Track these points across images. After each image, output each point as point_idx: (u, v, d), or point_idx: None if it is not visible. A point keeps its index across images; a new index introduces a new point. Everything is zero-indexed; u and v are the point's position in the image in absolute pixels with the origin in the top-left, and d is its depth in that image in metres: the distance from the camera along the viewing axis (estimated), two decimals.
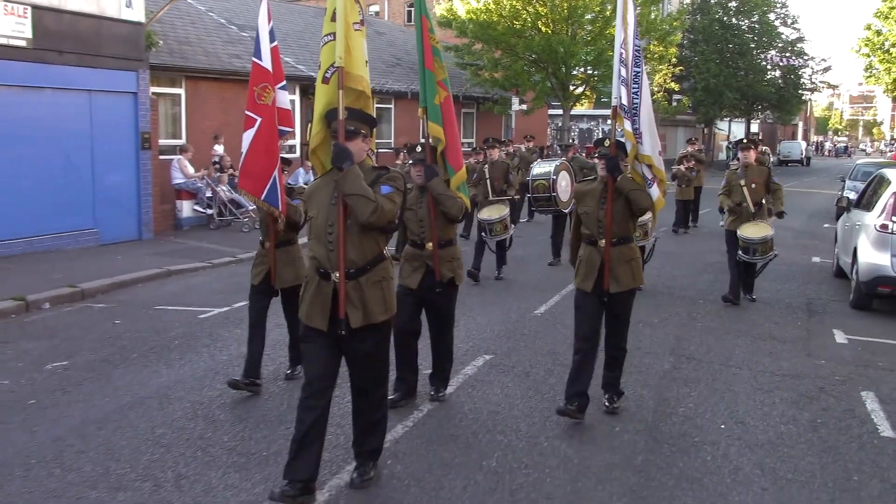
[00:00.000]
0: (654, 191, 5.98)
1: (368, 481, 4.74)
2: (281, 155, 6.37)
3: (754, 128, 62.31)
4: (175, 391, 6.53)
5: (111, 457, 5.21)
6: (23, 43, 12.32)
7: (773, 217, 10.20)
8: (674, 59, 33.24)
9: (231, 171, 16.21)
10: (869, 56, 32.92)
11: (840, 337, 8.84)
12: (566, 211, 11.90)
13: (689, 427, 5.99)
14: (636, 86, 5.97)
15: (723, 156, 54.56)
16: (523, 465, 5.17)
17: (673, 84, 36.11)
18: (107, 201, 14.04)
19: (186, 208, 16.25)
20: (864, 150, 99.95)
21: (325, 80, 4.68)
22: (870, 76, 34.43)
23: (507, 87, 28.19)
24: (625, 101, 5.91)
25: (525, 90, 28.55)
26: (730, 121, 54.77)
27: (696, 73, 43.61)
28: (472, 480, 4.94)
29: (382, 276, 4.58)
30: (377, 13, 43.96)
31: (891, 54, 31.67)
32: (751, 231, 9.93)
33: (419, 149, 6.28)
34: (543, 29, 27.20)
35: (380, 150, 21.61)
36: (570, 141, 29.19)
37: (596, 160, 6.19)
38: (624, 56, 5.94)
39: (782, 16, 49.80)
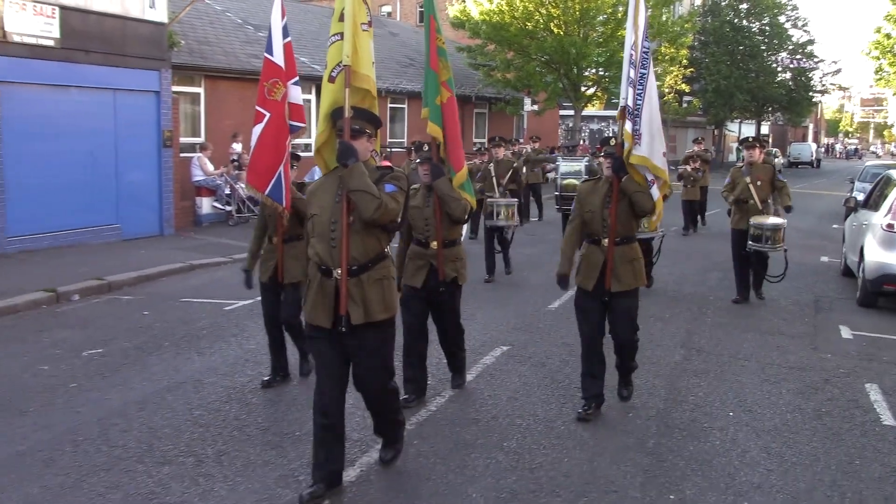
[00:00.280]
0: (655, 192, 6.02)
1: (390, 461, 5.02)
2: (292, 151, 6.43)
3: (764, 129, 62.40)
4: (208, 377, 6.85)
5: (153, 435, 5.53)
6: (51, 43, 12.68)
7: (780, 212, 10.21)
8: (684, 61, 33.42)
9: None
10: (879, 59, 33.09)
11: (846, 332, 9.09)
12: None
13: (699, 414, 6.28)
14: (640, 87, 6.01)
15: (733, 157, 54.65)
16: (542, 447, 5.48)
17: (683, 85, 36.31)
18: (129, 197, 14.40)
19: (206, 205, 16.61)
20: (875, 153, 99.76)
21: (332, 79, 4.72)
22: (880, 79, 34.58)
23: (520, 87, 28.47)
24: (629, 103, 5.99)
25: (537, 91, 28.82)
26: (740, 122, 54.91)
27: (707, 74, 43.78)
28: (493, 459, 5.25)
29: (384, 274, 4.60)
30: (389, 13, 44.26)
31: None
32: (762, 218, 9.87)
33: (426, 147, 6.31)
34: (556, 30, 27.45)
35: (393, 150, 21.94)
36: (581, 141, 29.44)
37: (601, 159, 6.25)
38: (634, 58, 6.02)
39: (793, 18, 49.93)
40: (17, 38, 12.15)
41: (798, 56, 50.40)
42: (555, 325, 8.84)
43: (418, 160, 6.39)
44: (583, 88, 29.27)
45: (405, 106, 25.08)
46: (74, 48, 13.05)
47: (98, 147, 13.81)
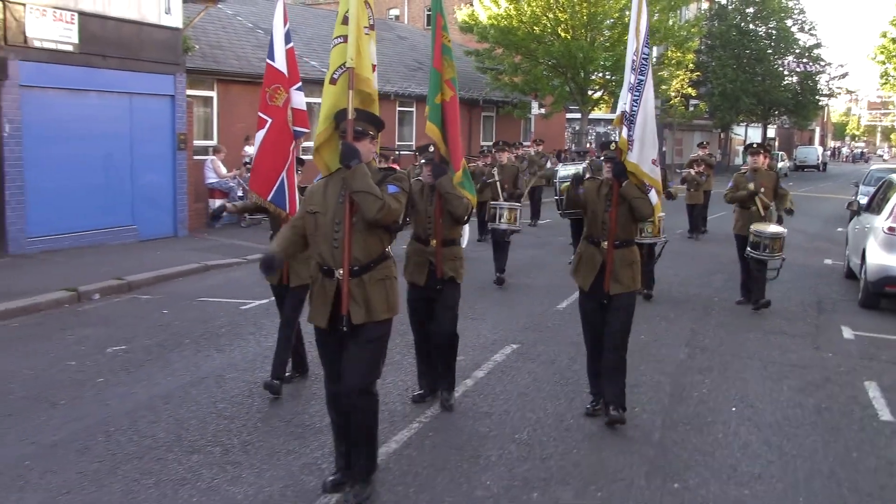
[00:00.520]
0: (653, 197, 6.08)
1: (366, 500, 4.63)
2: (298, 156, 6.47)
3: (771, 133, 62.50)
4: (229, 372, 7.11)
5: (181, 426, 5.79)
6: (70, 48, 12.97)
7: (781, 215, 10.18)
8: (691, 65, 33.62)
9: None
10: (885, 63, 33.25)
11: (847, 333, 9.32)
12: None
13: (703, 409, 6.52)
14: (637, 94, 6.05)
15: (738, 160, 54.77)
16: (552, 439, 5.72)
17: (690, 89, 36.54)
18: (145, 199, 14.68)
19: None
20: (882, 156, 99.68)
21: (333, 81, 4.75)
22: (885, 83, 34.74)
23: (527, 91, 28.72)
24: (627, 108, 6.06)
25: (544, 94, 29.06)
26: (746, 126, 55.00)
27: (713, 78, 43.96)
28: (506, 450, 5.50)
29: (386, 274, 4.63)
30: (397, 17, 44.55)
31: None
32: (762, 226, 9.90)
33: (431, 149, 6.37)
34: (563, 35, 27.71)
35: (401, 153, 22.19)
36: (588, 144, 29.68)
37: (602, 162, 6.30)
38: (635, 64, 6.10)
39: (800, 22, 50.05)
40: (37, 44, 12.45)
41: (805, 60, 50.52)
42: (563, 325, 9.08)
43: (422, 161, 6.48)
44: (590, 92, 29.52)
45: (413, 109, 25.35)
46: (93, 53, 13.33)
47: (115, 150, 14.09)
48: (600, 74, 29.10)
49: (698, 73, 39.82)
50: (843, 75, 52.97)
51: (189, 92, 16.25)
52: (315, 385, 6.75)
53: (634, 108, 6.04)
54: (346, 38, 4.71)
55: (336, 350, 4.63)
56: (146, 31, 14.33)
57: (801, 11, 50.29)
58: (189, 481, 4.88)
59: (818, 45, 50.62)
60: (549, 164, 23.69)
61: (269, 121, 6.32)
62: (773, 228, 9.90)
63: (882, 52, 32.94)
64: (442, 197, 6.15)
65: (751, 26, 47.87)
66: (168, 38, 14.85)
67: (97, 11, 13.35)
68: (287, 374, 6.76)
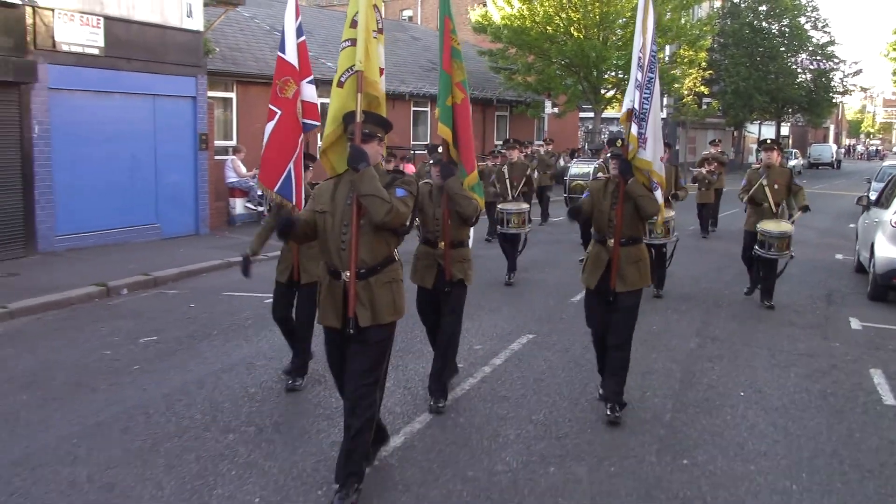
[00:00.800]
0: (659, 196, 6.08)
1: None
2: (307, 152, 6.50)
3: (785, 131, 62.40)
4: (257, 360, 7.44)
5: (215, 408, 6.13)
6: (96, 51, 13.36)
7: (798, 213, 10.02)
8: (704, 64, 33.76)
9: None
10: None
11: (855, 324, 9.56)
12: None
13: (712, 394, 6.79)
14: (647, 91, 6.05)
15: (752, 158, 54.78)
16: (567, 419, 6.02)
17: (703, 88, 36.67)
18: (168, 198, 15.07)
19: (239, 205, 17.26)
20: None
21: (340, 84, 4.79)
22: None
23: (540, 90, 28.97)
24: (636, 106, 6.02)
25: (557, 94, 29.30)
26: (760, 124, 55.00)
27: (726, 76, 44.02)
28: (524, 430, 5.80)
29: (392, 277, 4.65)
30: (410, 17, 44.87)
31: None
32: (770, 225, 9.89)
33: (439, 149, 6.38)
34: (576, 34, 27.94)
35: (416, 152, 22.52)
36: (603, 143, 29.87)
37: (609, 159, 6.32)
38: (641, 61, 6.06)
39: (813, 19, 50.00)
40: (65, 48, 12.83)
41: (818, 57, 50.45)
42: (577, 316, 9.31)
43: (431, 162, 6.47)
44: (602, 91, 29.72)
45: (427, 109, 25.65)
46: (118, 56, 13.72)
47: (139, 150, 14.48)
48: (613, 73, 29.30)
49: (711, 72, 39.90)
50: (857, 72, 52.94)
51: (209, 93, 16.62)
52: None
53: (646, 106, 6.03)
54: (354, 41, 4.78)
55: (341, 349, 4.68)
56: (169, 35, 14.71)
57: (815, 9, 50.19)
58: (227, 457, 5.21)
59: (832, 43, 50.54)
60: (562, 163, 23.95)
61: (279, 112, 6.34)
62: (781, 228, 9.85)
63: (895, 49, 32.99)
64: (450, 198, 6.14)
65: (764, 24, 47.86)
66: (190, 40, 15.22)
67: (122, 16, 13.73)
68: (286, 376, 6.68)
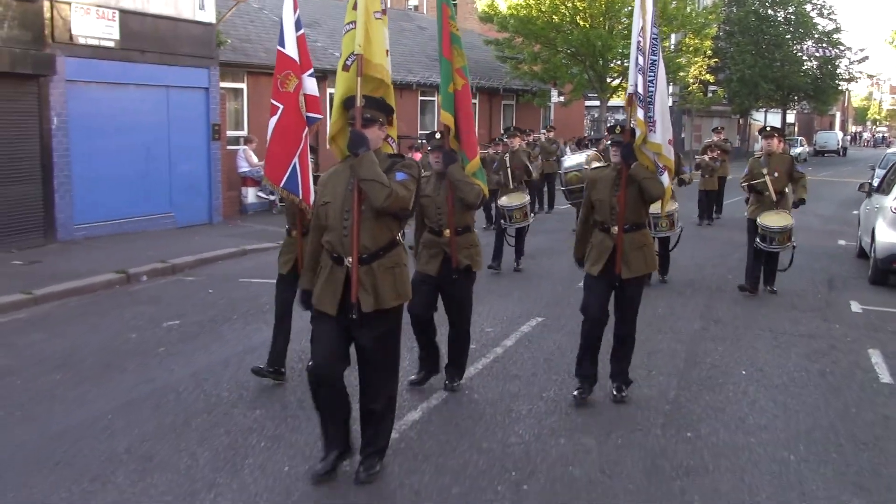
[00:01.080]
0: (665, 179, 6.04)
1: (374, 475, 4.76)
2: (311, 144, 6.41)
3: (790, 118, 62.39)
4: None
5: (241, 387, 6.43)
6: (111, 44, 13.64)
7: (796, 206, 10.07)
8: (709, 52, 33.89)
9: None
10: None
11: (856, 307, 9.82)
12: None
13: (715, 372, 7.08)
14: (652, 74, 5.99)
15: (758, 146, 54.81)
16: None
17: (708, 76, 36.79)
18: (182, 188, 15.38)
19: (251, 195, 17.56)
20: None
21: (346, 68, 4.76)
22: None
23: (546, 79, 29.16)
24: (640, 90, 5.97)
25: (563, 83, 29.49)
26: (766, 111, 55.04)
27: (732, 64, 44.11)
28: (535, 406, 6.10)
29: (395, 262, 4.64)
30: (416, 7, 44.97)
31: None
32: (771, 220, 9.83)
33: (438, 136, 6.31)
34: (581, 23, 28.11)
35: (423, 141, 22.76)
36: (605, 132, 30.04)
37: (609, 146, 6.26)
38: (641, 44, 6.00)
39: (818, 6, 49.98)
40: (81, 40, 13.11)
41: (824, 44, 50.45)
42: None
43: (430, 148, 6.41)
44: (608, 80, 29.89)
45: (434, 98, 25.85)
46: (132, 48, 13.99)
47: (153, 141, 14.77)
48: (619, 62, 29.45)
49: (716, 60, 40.01)
50: (863, 59, 52.84)
51: (221, 84, 16.90)
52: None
53: (651, 90, 6.00)
54: (356, 23, 4.70)
55: (337, 334, 4.60)
56: (182, 27, 14.97)
57: None
58: (255, 430, 5.51)
59: (837, 30, 50.52)
60: (568, 151, 24.09)
61: (281, 107, 6.26)
62: (782, 223, 9.83)
63: None
64: (452, 185, 6.09)
65: (769, 11, 47.86)
66: (202, 32, 15.49)
67: (136, 9, 14.00)
68: (271, 370, 6.55)
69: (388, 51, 4.89)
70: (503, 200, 11.36)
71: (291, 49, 6.37)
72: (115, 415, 5.83)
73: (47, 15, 12.57)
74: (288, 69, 6.32)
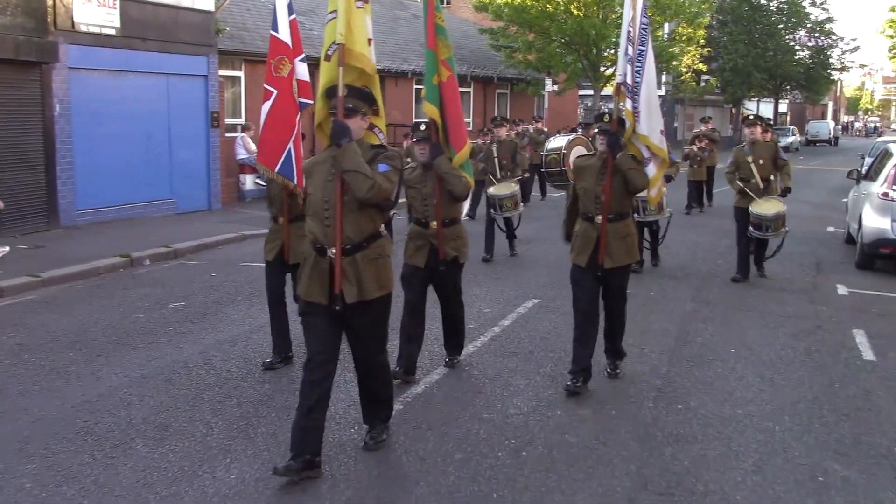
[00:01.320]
0: (651, 169, 6.08)
1: (382, 443, 5.00)
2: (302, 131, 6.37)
3: (783, 108, 62.72)
4: None
5: (249, 363, 6.68)
6: (112, 32, 13.80)
7: (783, 195, 10.07)
8: (702, 41, 34.12)
9: None
10: (893, 37, 33.70)
11: (842, 290, 10.11)
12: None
13: (705, 350, 7.36)
14: (639, 64, 6.00)
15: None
16: None
17: (701, 65, 37.00)
18: (181, 175, 15.59)
19: (249, 181, 17.71)
20: (895, 129, 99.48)
21: (328, 57, 4.72)
22: (893, 56, 35.21)
23: (540, 68, 29.35)
24: (629, 80, 5.99)
25: (557, 71, 29.68)
26: (758, 101, 55.33)
27: (725, 53, 44.37)
28: (532, 380, 6.37)
29: (378, 253, 4.62)
30: None
31: None
32: (764, 207, 9.90)
33: (423, 127, 6.26)
34: (575, 12, 28.30)
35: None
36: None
37: (596, 135, 6.22)
38: (631, 34, 6.02)
39: None
40: (84, 28, 13.28)
41: (816, 34, 50.74)
42: None
43: (415, 139, 6.35)
44: (602, 69, 30.10)
45: None
46: (133, 36, 14.17)
47: (153, 128, 14.97)
48: (612, 51, 29.62)
49: (709, 49, 40.23)
50: (855, 49, 53.18)
51: (220, 72, 17.07)
52: None
53: (638, 80, 6.01)
54: (338, 12, 4.67)
55: (329, 324, 4.61)
56: (181, 15, 15.14)
57: None
58: (265, 402, 5.77)
59: (830, 20, 50.82)
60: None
61: (275, 92, 6.22)
62: (774, 210, 9.90)
63: (891, 27, 33.40)
64: (440, 177, 6.07)
65: (762, 1, 48.09)
66: (201, 20, 15.67)
67: None
68: (269, 360, 6.63)
69: (370, 40, 4.87)
70: (492, 190, 11.31)
71: (284, 33, 6.36)
72: (130, 388, 6.07)
73: (49, 3, 12.72)
74: (281, 54, 6.30)
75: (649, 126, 6.05)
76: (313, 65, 6.36)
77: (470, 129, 19.09)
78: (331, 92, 4.67)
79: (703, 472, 4.85)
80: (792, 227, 11.48)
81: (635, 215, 8.05)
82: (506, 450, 5.08)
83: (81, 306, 8.73)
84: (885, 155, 12.33)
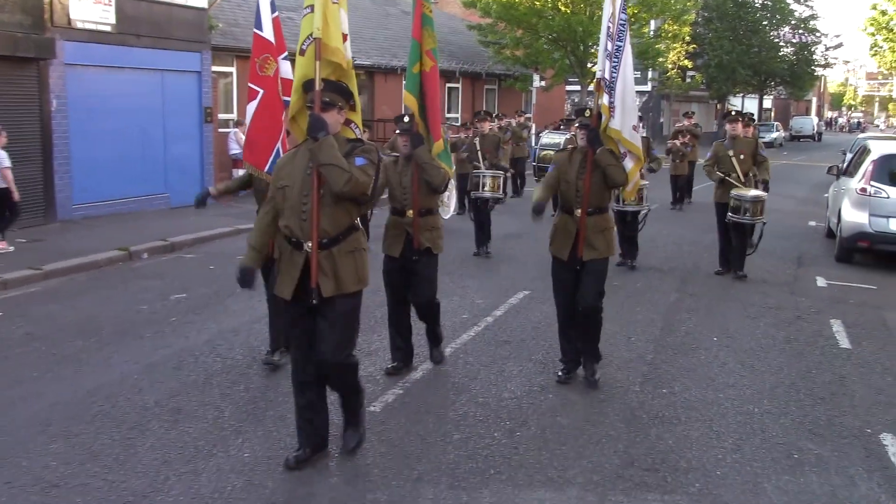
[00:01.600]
0: (628, 164, 6.15)
1: (353, 450, 4.91)
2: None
3: (767, 104, 63.28)
4: None
5: (254, 351, 6.96)
6: (108, 28, 14.01)
7: (759, 188, 10.23)
8: (687, 38, 34.52)
9: None
10: (874, 35, 34.24)
11: (821, 282, 10.49)
12: None
13: (689, 339, 7.70)
14: (616, 60, 6.07)
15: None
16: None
17: (686, 61, 37.43)
18: (175, 169, 15.81)
19: None
20: (878, 126, 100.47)
21: (302, 52, 4.74)
22: (875, 54, 35.74)
23: (528, 64, 29.66)
24: (606, 75, 6.07)
25: (545, 67, 30.00)
26: (743, 97, 55.85)
27: (710, 50, 44.81)
28: (524, 367, 6.69)
29: (355, 246, 4.63)
30: None
31: (894, 33, 33.06)
32: (743, 190, 10.08)
33: (406, 119, 6.30)
34: (563, 9, 28.60)
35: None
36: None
37: (577, 130, 6.30)
38: (611, 30, 6.09)
39: None
40: (80, 25, 13.47)
41: (800, 31, 51.29)
42: None
43: (398, 131, 6.40)
44: (589, 65, 30.38)
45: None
46: (127, 33, 14.37)
47: (148, 123, 15.18)
48: (599, 48, 30.02)
49: (695, 46, 40.74)
50: (838, 46, 53.77)
51: (213, 68, 17.27)
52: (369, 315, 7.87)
53: (614, 75, 6.08)
54: (313, 7, 4.68)
55: (305, 321, 4.63)
56: (175, 11, 15.35)
57: None
58: (272, 388, 6.06)
59: (814, 17, 51.37)
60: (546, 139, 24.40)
61: (261, 91, 6.22)
62: (755, 192, 10.08)
63: (872, 24, 33.91)
64: (419, 167, 6.16)
65: None
66: (194, 17, 15.88)
67: None
68: (267, 354, 6.68)
69: (346, 35, 4.86)
70: (476, 171, 11.42)
71: (268, 31, 6.33)
72: (141, 375, 6.35)
73: (46, 0, 12.90)
74: (266, 52, 6.31)
75: (622, 121, 6.12)
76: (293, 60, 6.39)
77: (458, 123, 19.28)
78: (308, 86, 4.67)
79: (685, 451, 5.18)
80: (774, 221, 11.89)
81: (614, 204, 8.10)
82: (501, 430, 5.39)
83: (84, 298, 8.98)
84: (864, 151, 12.71)
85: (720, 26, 45.71)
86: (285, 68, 6.35)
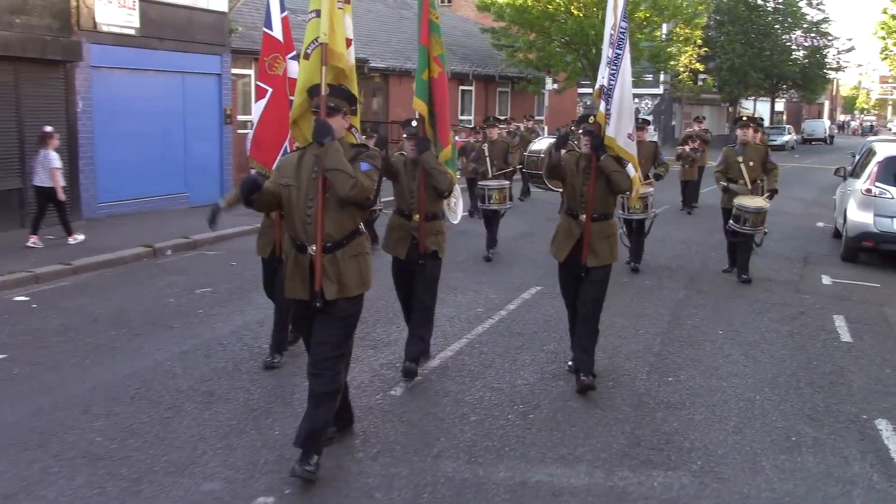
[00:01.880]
0: (631, 170, 6.18)
1: (311, 472, 4.54)
2: None
3: (779, 107, 63.29)
4: None
5: None
6: (132, 31, 14.42)
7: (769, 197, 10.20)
8: (699, 41, 34.74)
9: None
10: (885, 39, 34.38)
11: (826, 280, 10.75)
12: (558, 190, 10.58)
13: (695, 332, 7.99)
14: (615, 68, 6.13)
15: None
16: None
17: (698, 65, 37.61)
18: (196, 169, 16.22)
19: None
20: (891, 129, 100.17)
21: (307, 56, 4.79)
22: (885, 57, 35.88)
23: (541, 67, 30.00)
24: (605, 83, 6.16)
25: (557, 71, 30.33)
26: (755, 100, 55.92)
27: (722, 53, 44.96)
28: (537, 356, 7.01)
29: (358, 250, 4.68)
30: None
31: None
32: (747, 200, 10.01)
33: (414, 123, 6.41)
34: (576, 13, 28.94)
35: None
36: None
37: (581, 136, 6.28)
38: (613, 38, 6.19)
39: None
40: (105, 28, 13.89)
41: (812, 34, 51.36)
42: None
43: (405, 135, 6.50)
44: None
45: None
46: (151, 36, 14.78)
47: (170, 124, 15.60)
48: None
49: (706, 49, 40.86)
50: (850, 49, 53.80)
51: (231, 70, 17.67)
52: (375, 308, 8.22)
53: (612, 83, 6.13)
54: (319, 12, 4.72)
55: (308, 322, 4.72)
56: (197, 15, 15.75)
57: None
58: (298, 374, 6.37)
59: (825, 20, 51.45)
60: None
61: (270, 90, 6.29)
62: (757, 203, 9.99)
63: (883, 28, 34.05)
64: (426, 172, 6.23)
65: (759, 1, 48.67)
66: (215, 20, 16.28)
67: None
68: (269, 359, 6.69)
69: (350, 40, 4.89)
70: (482, 182, 11.65)
71: (278, 31, 6.41)
72: (173, 362, 6.71)
73: (73, 4, 13.33)
74: (275, 51, 6.38)
75: (617, 129, 6.15)
76: None
77: (471, 126, 19.58)
78: (314, 90, 4.71)
79: (689, 433, 5.50)
80: (783, 222, 12.17)
81: (620, 212, 8.15)
82: (515, 413, 5.72)
83: (114, 291, 9.35)
84: (870, 153, 12.97)
85: (732, 30, 45.86)
86: (293, 68, 6.37)
